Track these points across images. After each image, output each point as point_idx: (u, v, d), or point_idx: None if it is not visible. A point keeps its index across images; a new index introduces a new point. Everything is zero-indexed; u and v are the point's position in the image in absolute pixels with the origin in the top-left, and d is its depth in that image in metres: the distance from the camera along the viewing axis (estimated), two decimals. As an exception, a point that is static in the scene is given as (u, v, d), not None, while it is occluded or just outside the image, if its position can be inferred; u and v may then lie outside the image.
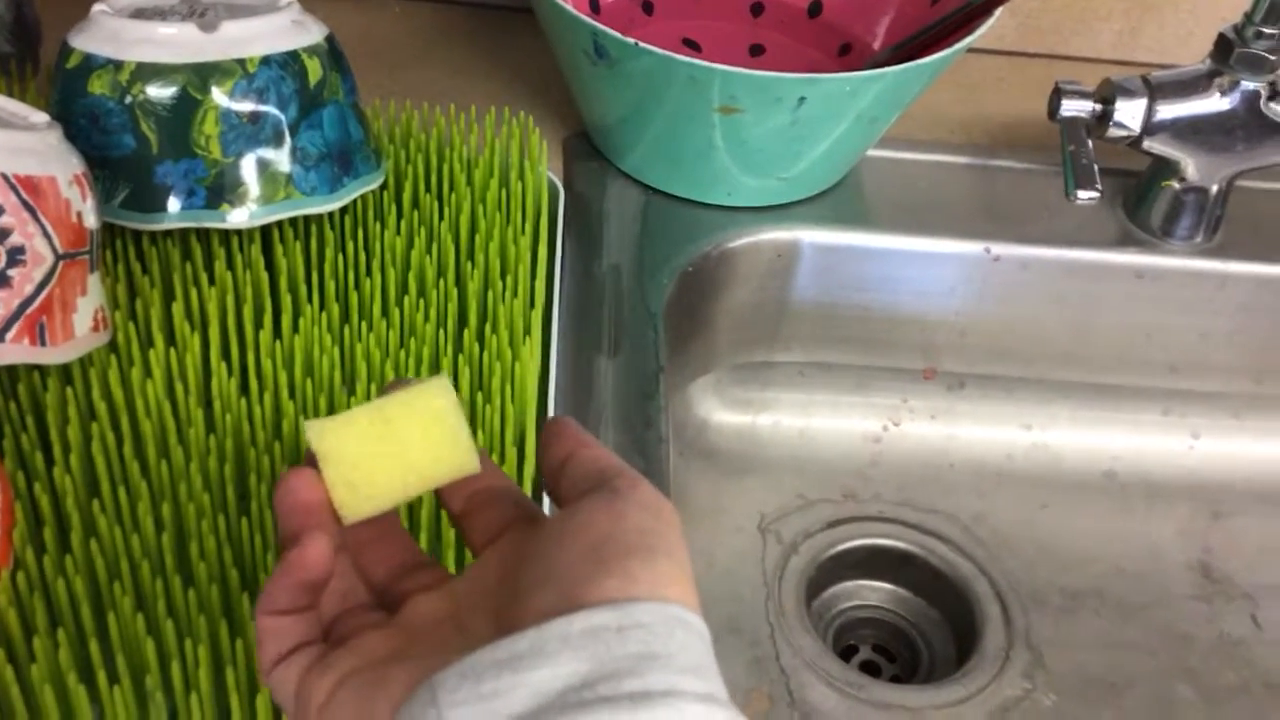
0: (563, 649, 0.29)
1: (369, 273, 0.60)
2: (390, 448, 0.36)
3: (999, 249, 0.76)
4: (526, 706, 0.29)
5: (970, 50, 0.68)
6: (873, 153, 0.78)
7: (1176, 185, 0.76)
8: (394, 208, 0.64)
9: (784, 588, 0.74)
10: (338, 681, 0.33)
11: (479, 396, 0.54)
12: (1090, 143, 0.71)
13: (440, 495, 0.39)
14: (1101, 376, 0.82)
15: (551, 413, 0.58)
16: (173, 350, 0.54)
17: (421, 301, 0.59)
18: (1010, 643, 0.72)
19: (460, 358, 0.56)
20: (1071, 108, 0.73)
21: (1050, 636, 0.73)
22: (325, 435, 0.36)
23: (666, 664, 0.29)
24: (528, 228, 0.64)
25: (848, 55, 0.80)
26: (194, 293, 0.57)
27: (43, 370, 0.52)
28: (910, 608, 0.77)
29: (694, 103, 0.66)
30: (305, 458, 0.37)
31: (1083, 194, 0.69)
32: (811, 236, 0.74)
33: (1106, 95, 0.73)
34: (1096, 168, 0.70)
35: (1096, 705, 0.71)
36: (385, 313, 0.59)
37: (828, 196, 0.77)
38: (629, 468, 0.35)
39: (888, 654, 0.76)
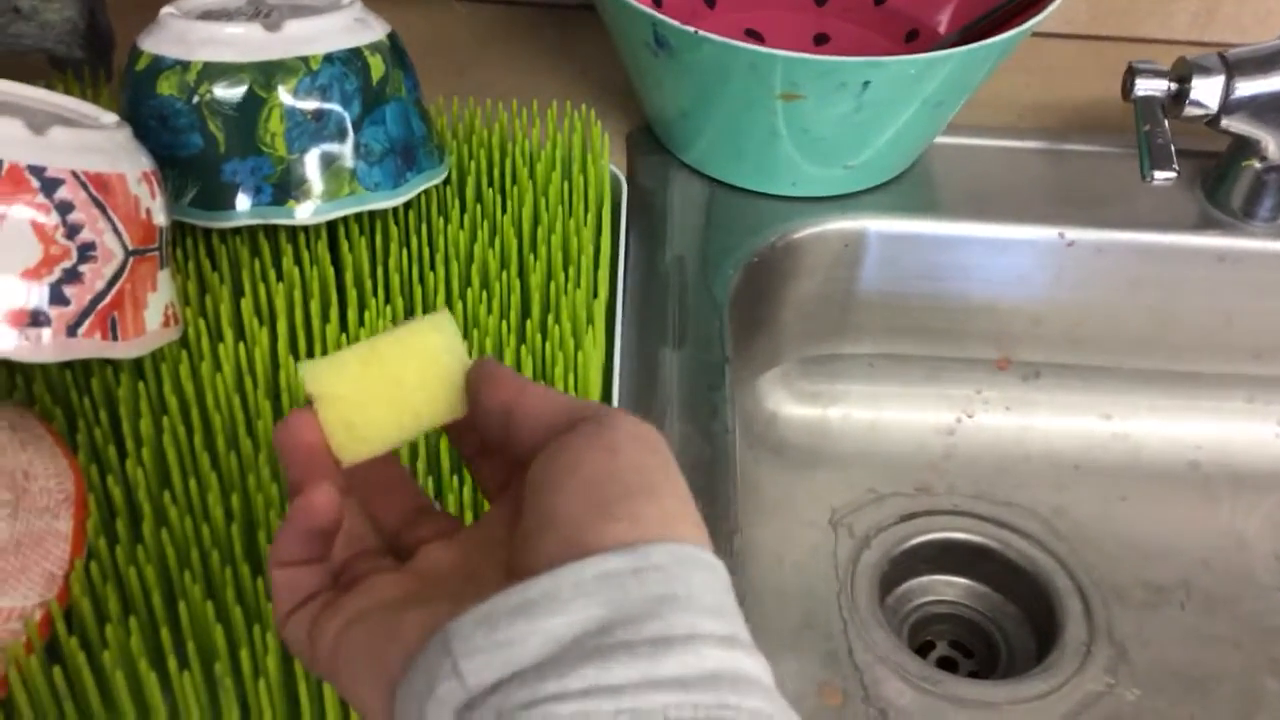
0: (576, 595, 0.29)
1: (432, 266, 0.60)
2: (385, 388, 0.35)
3: (1073, 234, 0.74)
4: (542, 654, 0.28)
5: (1042, 34, 0.67)
6: (941, 139, 0.76)
7: (1258, 165, 0.73)
8: (457, 202, 0.64)
9: (857, 583, 0.73)
10: (347, 622, 0.33)
11: (542, 387, 0.54)
12: (1166, 122, 0.70)
13: (452, 439, 0.39)
14: (1182, 364, 0.79)
15: (616, 402, 0.58)
16: (242, 345, 0.55)
17: (484, 294, 0.59)
18: (1092, 637, 0.70)
19: (523, 348, 0.56)
20: (1146, 86, 0.71)
21: (1133, 631, 0.71)
22: (319, 376, 0.35)
23: (686, 606, 0.29)
24: (590, 220, 0.64)
25: (914, 42, 0.79)
26: (262, 288, 0.58)
27: (115, 365, 0.53)
28: (987, 603, 0.76)
29: (755, 91, 0.65)
30: (305, 400, 0.36)
31: (1159, 174, 0.67)
32: (879, 226, 0.73)
33: (1183, 73, 0.71)
34: (1173, 148, 0.68)
35: (1181, 701, 0.69)
36: (449, 305, 0.59)
37: (895, 185, 0.75)
38: (597, 402, 0.34)
39: (964, 650, 0.75)
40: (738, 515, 0.59)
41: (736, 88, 0.66)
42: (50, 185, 0.47)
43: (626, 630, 0.28)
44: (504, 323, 0.57)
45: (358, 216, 0.61)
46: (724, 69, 0.65)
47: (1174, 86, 0.71)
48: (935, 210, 0.75)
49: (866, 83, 0.63)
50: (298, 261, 0.60)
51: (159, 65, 0.56)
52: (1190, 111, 0.70)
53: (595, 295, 0.60)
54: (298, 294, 0.58)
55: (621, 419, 0.33)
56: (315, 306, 0.57)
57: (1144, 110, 0.70)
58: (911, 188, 0.76)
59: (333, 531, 0.35)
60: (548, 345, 0.56)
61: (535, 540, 0.31)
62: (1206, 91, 0.70)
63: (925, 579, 0.76)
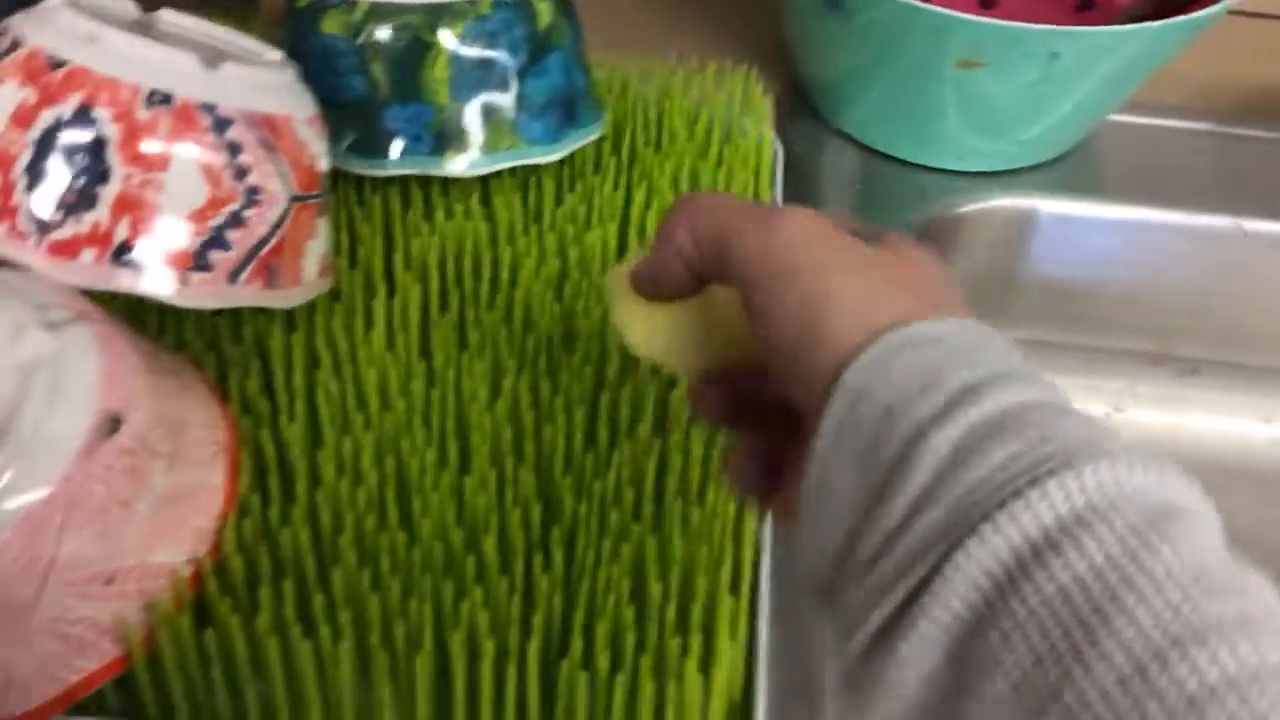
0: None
1: (588, 226, 0.58)
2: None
3: (1252, 225, 0.69)
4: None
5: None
6: (1111, 117, 0.72)
7: None
8: (613, 160, 0.61)
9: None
10: None
11: (704, 361, 0.52)
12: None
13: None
14: (1354, 369, 0.75)
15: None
16: (394, 300, 0.53)
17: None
18: (1243, 652, 0.66)
19: (684, 319, 0.53)
20: (1347, 72, 0.66)
21: (1288, 649, 0.67)
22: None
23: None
24: (749, 185, 0.61)
25: (1088, 12, 0.74)
26: (414, 242, 0.55)
27: (267, 314, 0.52)
28: (1128, 607, 0.72)
29: (930, 57, 0.62)
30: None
31: (1357, 168, 0.63)
32: (1045, 205, 0.69)
33: (1387, 59, 0.66)
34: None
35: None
36: (604, 270, 0.56)
37: (1061, 163, 0.71)
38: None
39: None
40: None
41: (910, 52, 0.62)
42: (221, 124, 0.45)
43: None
44: (663, 291, 0.55)
45: (512, 170, 0.59)
46: (900, 31, 0.61)
47: (1378, 73, 0.66)
48: (1103, 192, 0.71)
49: (1055, 54, 0.59)
50: (450, 215, 0.57)
51: (323, 3, 0.54)
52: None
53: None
54: (450, 249, 0.56)
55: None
56: (468, 264, 0.55)
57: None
58: (1079, 167, 0.72)
59: None
60: (709, 317, 0.53)
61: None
62: None
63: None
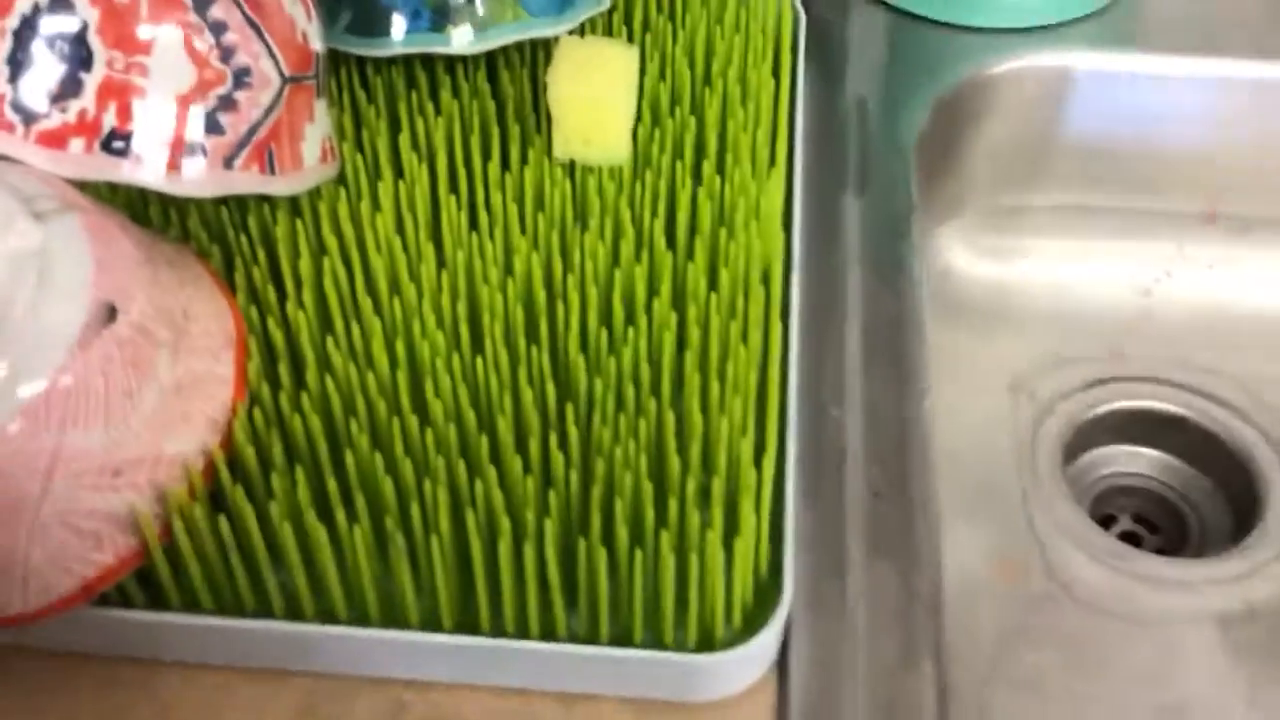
0: None
1: (600, 101, 0.56)
2: None
3: (1308, 72, 0.66)
4: None
5: None
6: (1157, -36, 0.68)
7: None
8: (624, 30, 0.59)
9: (1038, 452, 0.68)
10: None
11: (722, 232, 0.50)
12: None
13: None
14: None
15: (797, 250, 0.53)
16: (401, 183, 0.51)
17: (656, 131, 0.54)
18: (1297, 516, 0.64)
19: (700, 191, 0.52)
20: None
21: (1344, 508, 0.65)
22: None
23: None
24: (768, 52, 0.59)
25: None
26: (420, 123, 0.54)
27: (272, 202, 0.50)
28: (1178, 476, 0.70)
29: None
30: None
31: None
32: (1084, 62, 0.66)
33: None
34: None
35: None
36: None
37: (1103, 16, 0.68)
38: None
39: (1149, 525, 0.69)
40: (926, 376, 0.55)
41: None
42: (202, 3, 0.43)
43: None
44: (679, 163, 0.53)
45: (519, 45, 0.57)
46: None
47: None
48: (1148, 44, 0.67)
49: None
50: (456, 94, 0.56)
51: (310, -125, 0.52)
52: None
53: (776, 135, 0.55)
54: (457, 129, 0.54)
55: None
56: (475, 142, 0.53)
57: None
58: (1121, 19, 0.68)
59: None
60: (727, 188, 0.51)
61: None
62: None
63: (1110, 449, 0.71)
